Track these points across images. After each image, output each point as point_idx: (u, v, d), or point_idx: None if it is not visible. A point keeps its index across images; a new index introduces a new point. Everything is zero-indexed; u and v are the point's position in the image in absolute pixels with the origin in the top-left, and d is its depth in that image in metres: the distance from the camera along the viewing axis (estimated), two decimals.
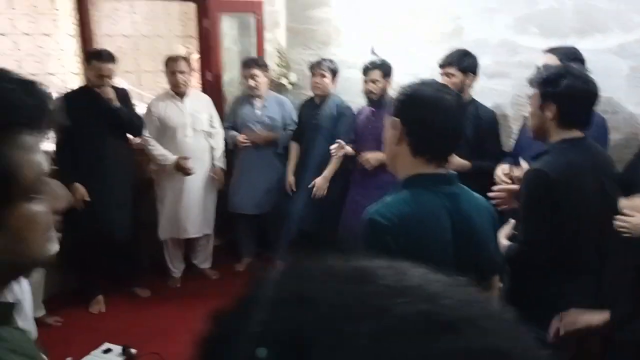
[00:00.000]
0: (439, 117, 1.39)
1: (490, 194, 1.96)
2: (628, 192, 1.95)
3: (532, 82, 1.87)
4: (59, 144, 3.26)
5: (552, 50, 2.69)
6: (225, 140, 4.06)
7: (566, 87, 1.74)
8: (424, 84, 1.47)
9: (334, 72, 3.82)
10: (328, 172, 3.77)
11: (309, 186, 3.77)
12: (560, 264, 1.77)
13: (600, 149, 2.01)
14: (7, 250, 0.67)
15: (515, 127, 3.18)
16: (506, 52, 3.14)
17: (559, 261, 1.77)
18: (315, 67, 3.82)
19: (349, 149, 3.65)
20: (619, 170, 2.02)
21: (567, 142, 1.81)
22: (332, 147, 3.61)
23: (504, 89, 3.20)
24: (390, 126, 1.47)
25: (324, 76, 3.79)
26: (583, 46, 2.76)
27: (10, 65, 3.51)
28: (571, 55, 2.61)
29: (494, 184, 2.41)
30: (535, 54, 2.87)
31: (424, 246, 1.34)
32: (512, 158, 2.69)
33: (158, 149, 3.72)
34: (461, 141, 1.50)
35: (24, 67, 3.82)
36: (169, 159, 3.71)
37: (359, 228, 3.48)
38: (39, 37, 3.82)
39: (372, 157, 3.45)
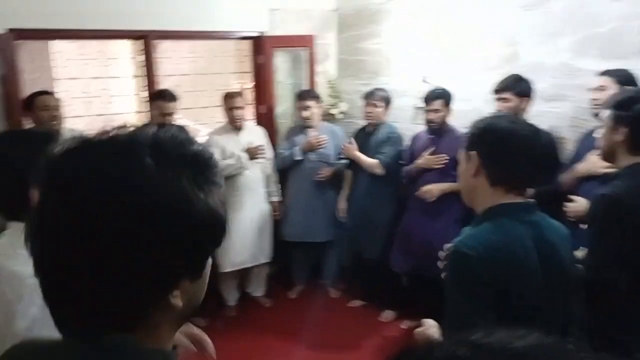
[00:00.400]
0: (514, 145, 1.41)
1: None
2: None
3: (606, 104, 1.87)
4: None
5: (607, 72, 2.67)
6: (278, 166, 4.15)
7: (638, 112, 1.73)
8: (498, 117, 1.51)
9: (387, 101, 3.88)
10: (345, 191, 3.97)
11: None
12: (635, 286, 1.72)
13: None
14: (195, 297, 0.72)
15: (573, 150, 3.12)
16: (564, 75, 3.10)
17: (635, 286, 1.72)
18: (368, 97, 3.89)
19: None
20: None
21: (637, 167, 1.79)
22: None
23: (562, 112, 3.16)
24: (464, 159, 1.50)
25: (376, 106, 3.85)
26: None
27: (81, 106, 3.76)
28: (625, 78, 2.60)
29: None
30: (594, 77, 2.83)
31: (514, 275, 1.35)
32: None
33: (225, 162, 3.81)
34: (543, 172, 1.50)
35: (92, 109, 4.06)
36: (239, 158, 3.82)
37: (412, 254, 3.44)
38: (106, 80, 4.06)
39: (435, 188, 3.46)
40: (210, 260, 0.72)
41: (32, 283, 1.00)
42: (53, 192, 0.63)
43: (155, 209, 0.60)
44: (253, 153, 3.83)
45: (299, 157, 4.08)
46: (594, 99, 2.70)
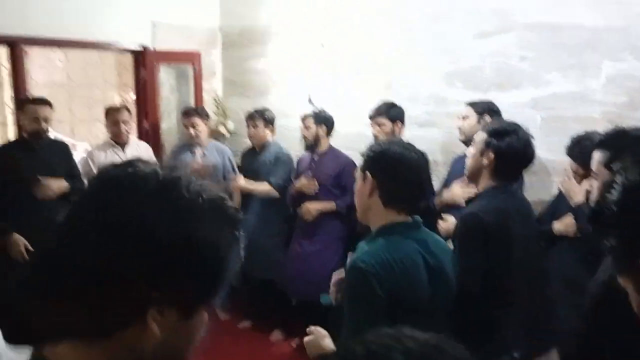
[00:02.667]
0: (406, 171, 1.56)
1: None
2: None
3: (483, 127, 2.09)
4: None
5: (472, 104, 3.00)
6: None
7: (507, 144, 1.95)
8: (392, 142, 1.65)
9: (268, 121, 3.93)
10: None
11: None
12: (492, 293, 1.93)
13: (520, 194, 2.27)
14: (180, 339, 0.72)
15: (445, 171, 3.43)
16: (435, 104, 3.42)
17: (490, 289, 1.93)
18: (248, 120, 3.94)
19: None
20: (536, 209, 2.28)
21: (495, 189, 2.02)
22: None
23: (434, 137, 3.46)
24: (360, 179, 1.62)
25: (256, 126, 3.90)
26: (502, 99, 3.08)
27: None
28: (488, 108, 2.95)
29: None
30: (462, 106, 3.15)
31: (406, 287, 1.48)
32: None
33: None
34: (426, 192, 1.66)
35: None
36: None
37: (307, 273, 3.53)
38: None
39: (311, 207, 3.59)
40: (206, 316, 0.74)
41: None
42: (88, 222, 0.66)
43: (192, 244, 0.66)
44: None
45: None
46: (459, 127, 3.01)
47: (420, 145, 3.24)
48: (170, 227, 0.65)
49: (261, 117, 3.89)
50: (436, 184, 3.39)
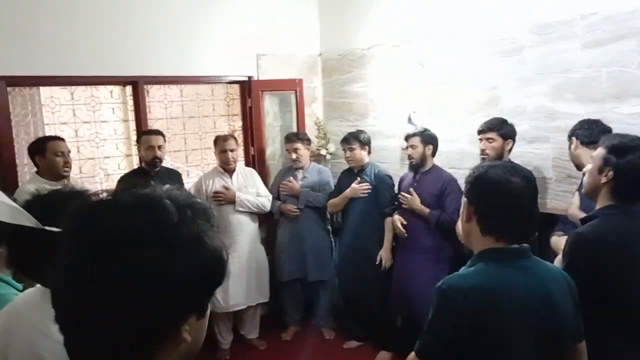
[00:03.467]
0: (503, 197, 1.46)
1: None
2: None
3: (601, 143, 1.93)
4: None
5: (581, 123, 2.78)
6: (272, 209, 4.19)
7: (628, 162, 1.80)
8: (493, 166, 1.54)
9: (364, 143, 3.95)
10: (387, 242, 3.84)
11: (377, 263, 3.83)
12: (603, 312, 1.77)
13: None
14: (200, 334, 0.78)
15: (557, 189, 3.22)
16: (544, 118, 3.23)
17: (601, 309, 1.77)
18: (343, 143, 4.00)
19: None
20: None
21: (613, 209, 1.85)
22: (403, 198, 3.66)
23: (544, 153, 3.27)
24: (463, 205, 1.57)
25: (352, 149, 3.94)
26: (620, 110, 2.84)
27: (71, 150, 3.78)
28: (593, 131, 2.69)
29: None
30: (574, 119, 2.95)
31: (493, 317, 1.38)
32: (562, 224, 2.72)
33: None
34: (533, 223, 1.54)
35: (82, 152, 4.08)
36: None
37: (411, 292, 3.47)
38: (96, 124, 4.10)
39: (414, 202, 3.58)
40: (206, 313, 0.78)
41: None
42: (85, 246, 0.68)
43: (178, 252, 0.69)
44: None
45: (277, 217, 4.22)
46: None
47: (530, 162, 3.18)
48: (198, 253, 0.71)
49: (356, 139, 3.93)
50: (551, 201, 3.20)
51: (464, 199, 1.56)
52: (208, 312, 0.77)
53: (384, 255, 3.84)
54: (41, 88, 3.94)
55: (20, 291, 1.51)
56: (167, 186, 0.78)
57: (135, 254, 0.66)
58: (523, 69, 3.31)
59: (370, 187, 3.89)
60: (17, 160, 3.61)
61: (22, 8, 3.44)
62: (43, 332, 1.15)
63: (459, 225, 1.64)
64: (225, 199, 3.93)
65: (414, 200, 3.57)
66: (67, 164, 3.35)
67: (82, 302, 0.67)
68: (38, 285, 1.30)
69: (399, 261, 3.77)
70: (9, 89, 3.56)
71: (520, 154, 3.29)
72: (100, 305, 0.66)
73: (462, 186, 3.38)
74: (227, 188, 3.96)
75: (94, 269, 0.66)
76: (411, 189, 3.62)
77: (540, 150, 3.28)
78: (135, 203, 0.71)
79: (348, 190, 3.92)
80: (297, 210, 4.10)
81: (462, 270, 1.51)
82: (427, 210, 3.53)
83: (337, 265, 4.17)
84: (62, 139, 3.44)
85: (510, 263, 1.46)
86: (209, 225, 0.75)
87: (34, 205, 1.24)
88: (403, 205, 3.65)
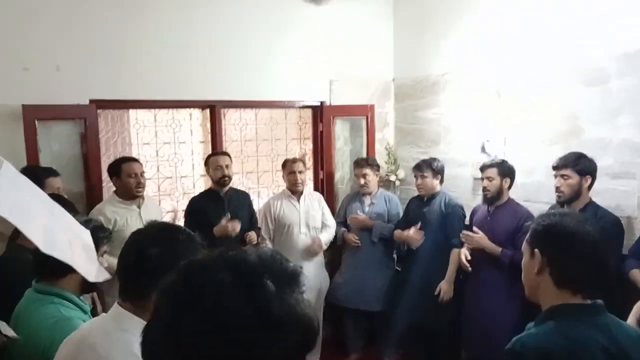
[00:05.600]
0: (581, 248, 1.38)
1: None
2: None
3: None
4: None
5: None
6: (336, 234, 4.19)
7: None
8: (565, 215, 1.47)
9: (436, 171, 3.86)
10: (450, 274, 3.73)
11: (435, 293, 3.73)
12: None
13: None
14: None
15: None
16: (630, 152, 3.01)
17: None
18: (415, 170, 3.92)
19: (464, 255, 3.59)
20: None
21: None
22: (463, 235, 3.54)
23: (629, 190, 3.04)
24: (528, 255, 1.48)
25: (424, 177, 3.85)
26: None
27: (151, 169, 3.99)
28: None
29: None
30: None
31: None
32: (635, 259, 2.51)
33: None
34: (607, 272, 1.45)
35: (162, 171, 4.30)
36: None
37: (481, 329, 3.32)
38: (175, 145, 4.31)
39: (470, 238, 3.45)
40: None
41: None
42: (187, 304, 0.71)
43: (278, 323, 0.70)
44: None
45: (339, 243, 4.20)
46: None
47: (613, 200, 2.97)
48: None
49: (429, 167, 3.85)
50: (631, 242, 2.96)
51: (528, 247, 1.47)
52: None
53: (444, 287, 3.71)
54: (129, 110, 4.21)
55: (87, 313, 1.59)
56: (261, 250, 0.78)
57: (240, 339, 0.68)
58: (609, 99, 3.11)
59: (421, 239, 3.83)
60: (103, 178, 3.86)
61: (113, 35, 3.70)
62: None
63: (524, 278, 1.52)
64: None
65: (482, 239, 3.40)
66: (140, 184, 3.47)
67: None
68: (109, 313, 1.33)
69: (469, 296, 3.61)
70: (98, 110, 3.84)
71: (603, 190, 3.08)
72: None
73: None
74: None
75: (201, 351, 0.68)
76: (475, 228, 3.47)
77: (625, 187, 3.05)
78: (237, 284, 0.71)
79: (449, 274, 3.75)
80: (359, 242, 4.07)
81: (532, 327, 1.41)
82: (498, 249, 3.34)
83: (404, 294, 4.06)
84: (137, 160, 3.59)
85: (588, 320, 1.36)
86: (299, 290, 0.75)
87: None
88: (467, 245, 3.49)
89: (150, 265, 1.24)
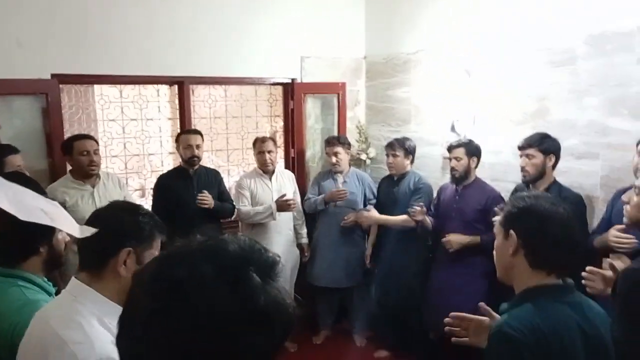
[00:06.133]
0: (556, 229, 1.41)
1: (584, 274, 1.97)
2: None
3: None
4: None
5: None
6: (305, 210, 4.19)
7: None
8: (538, 197, 1.48)
9: (408, 150, 3.88)
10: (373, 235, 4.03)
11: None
12: None
13: None
14: None
15: (605, 208, 3.06)
16: (595, 133, 3.08)
17: None
18: (388, 148, 3.93)
19: (427, 219, 3.64)
20: None
21: None
22: (412, 209, 3.61)
23: (592, 170, 3.12)
24: (502, 236, 1.49)
25: (396, 156, 3.87)
26: None
27: (118, 146, 3.89)
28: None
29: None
30: (627, 136, 2.81)
31: (559, 358, 1.32)
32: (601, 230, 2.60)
33: (255, 210, 3.92)
34: (579, 252, 1.49)
35: (129, 149, 4.21)
36: (270, 208, 3.86)
37: (443, 308, 3.41)
38: (142, 122, 4.21)
39: (454, 240, 3.44)
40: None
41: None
42: (174, 320, 0.69)
43: (263, 315, 0.70)
44: (283, 206, 3.86)
45: (321, 207, 4.13)
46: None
47: (576, 180, 3.05)
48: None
49: (401, 147, 3.87)
50: (597, 221, 3.05)
51: (502, 229, 1.48)
52: None
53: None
54: (94, 86, 4.08)
55: (52, 294, 1.55)
56: (240, 240, 0.76)
57: (226, 332, 0.68)
58: (575, 80, 3.17)
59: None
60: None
61: (76, 9, 3.56)
62: (56, 332, 1.19)
63: (497, 259, 1.53)
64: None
65: (461, 238, 3.40)
66: (93, 162, 3.30)
67: None
68: (65, 294, 1.33)
69: (434, 276, 3.68)
70: (61, 85, 3.70)
71: (567, 169, 3.15)
72: None
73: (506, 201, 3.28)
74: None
75: (188, 347, 0.67)
76: (448, 236, 3.46)
77: (588, 167, 3.13)
78: (221, 278, 0.70)
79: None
80: (347, 193, 4.02)
81: (508, 309, 1.43)
82: (477, 238, 3.35)
83: (377, 272, 4.12)
84: (91, 137, 3.43)
85: (562, 300, 1.40)
86: (278, 280, 0.75)
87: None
88: (450, 250, 3.45)
89: (107, 238, 1.29)
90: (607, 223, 2.74)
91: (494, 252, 1.55)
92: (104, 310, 1.26)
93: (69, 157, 3.37)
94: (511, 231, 1.45)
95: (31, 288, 1.51)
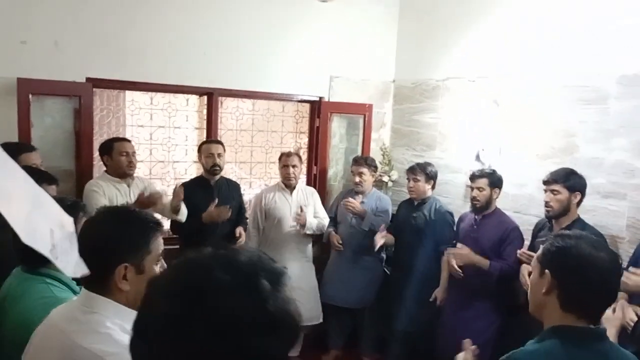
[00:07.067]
0: (595, 276, 1.36)
1: None
2: None
3: None
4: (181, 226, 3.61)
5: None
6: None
7: None
8: (580, 238, 1.44)
9: (430, 176, 3.86)
10: (444, 281, 3.72)
11: (431, 300, 3.72)
12: None
13: None
14: None
15: (630, 250, 3.01)
16: (622, 174, 3.04)
17: None
18: (409, 172, 3.91)
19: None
20: None
21: None
22: (451, 253, 3.54)
23: (619, 210, 3.07)
24: (537, 273, 1.46)
25: (417, 180, 3.85)
26: None
27: (144, 152, 3.95)
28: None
29: None
30: None
31: None
32: None
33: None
34: (614, 300, 1.46)
35: (154, 155, 4.27)
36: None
37: (454, 340, 3.35)
38: (170, 130, 4.28)
39: (462, 253, 3.40)
40: None
41: None
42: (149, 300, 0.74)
43: (274, 321, 0.72)
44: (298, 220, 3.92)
45: (325, 241, 4.20)
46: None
47: (602, 219, 3.00)
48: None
49: (423, 172, 3.85)
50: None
51: (538, 266, 1.45)
52: None
53: (439, 294, 3.73)
54: (126, 91, 4.17)
55: (77, 293, 1.57)
56: (248, 250, 0.79)
57: (240, 336, 0.69)
58: (605, 120, 3.14)
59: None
60: (94, 157, 3.82)
61: (115, 17, 3.66)
62: (82, 346, 1.18)
63: (530, 295, 1.50)
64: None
65: (470, 255, 3.36)
66: (131, 163, 3.47)
67: None
68: (77, 298, 1.33)
69: (451, 303, 3.64)
70: (94, 89, 3.79)
71: (592, 208, 3.12)
72: None
73: (526, 234, 3.23)
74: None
75: (203, 350, 0.69)
76: (459, 245, 3.45)
77: (615, 207, 3.08)
78: (237, 284, 0.72)
79: (443, 281, 3.74)
80: (341, 247, 4.06)
81: (530, 344, 1.40)
82: (487, 262, 3.32)
83: (389, 296, 4.08)
84: (129, 140, 3.59)
85: (588, 346, 1.36)
86: (287, 289, 0.77)
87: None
88: (452, 264, 3.44)
89: (107, 247, 1.27)
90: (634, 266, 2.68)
91: (529, 287, 1.52)
92: (124, 318, 1.27)
93: (107, 157, 3.48)
94: (547, 271, 1.42)
95: (58, 286, 1.54)
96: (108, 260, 1.26)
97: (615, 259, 1.41)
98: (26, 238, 1.00)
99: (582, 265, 1.37)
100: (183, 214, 3.58)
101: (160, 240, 1.35)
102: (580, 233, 1.51)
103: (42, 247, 1.05)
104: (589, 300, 1.38)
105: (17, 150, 2.99)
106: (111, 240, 1.28)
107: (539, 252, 1.49)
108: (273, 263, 0.79)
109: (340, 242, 4.06)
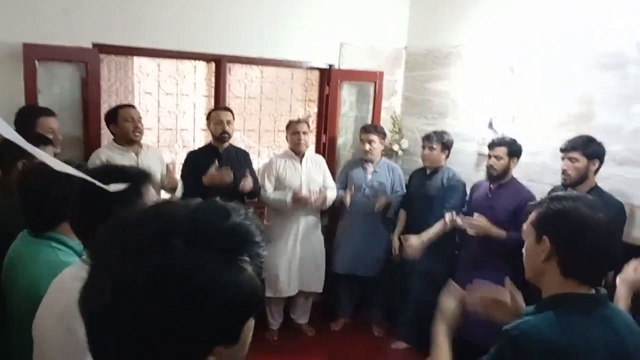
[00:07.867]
0: (597, 239, 1.30)
1: None
2: None
3: None
4: (184, 195, 3.56)
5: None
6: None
7: None
8: (577, 200, 1.35)
9: (445, 145, 3.79)
10: (426, 235, 3.64)
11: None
12: None
13: None
14: (234, 358, 0.74)
15: None
16: None
17: None
18: (425, 140, 3.84)
19: (459, 221, 3.54)
20: None
21: None
22: (446, 216, 3.54)
23: (636, 178, 3.00)
24: (533, 239, 1.39)
25: (433, 149, 3.79)
26: None
27: (152, 120, 3.91)
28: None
29: None
30: None
31: None
32: None
33: (272, 196, 3.93)
34: (616, 263, 1.40)
35: (162, 122, 4.23)
36: (286, 197, 3.87)
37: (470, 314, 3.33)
38: (178, 97, 4.22)
39: (479, 223, 3.32)
40: (251, 323, 0.75)
41: None
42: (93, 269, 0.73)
43: (185, 289, 0.65)
44: (299, 202, 3.85)
45: (337, 205, 4.13)
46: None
47: (617, 186, 2.93)
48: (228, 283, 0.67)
49: (439, 141, 3.79)
50: (637, 229, 2.94)
51: (533, 231, 1.38)
52: (245, 336, 0.74)
53: (413, 241, 3.64)
54: (134, 58, 4.10)
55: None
56: (201, 205, 0.73)
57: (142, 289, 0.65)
58: (624, 85, 3.04)
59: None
60: (102, 125, 3.79)
61: None
62: None
63: (527, 262, 1.43)
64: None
65: (487, 225, 3.26)
66: (137, 129, 3.46)
67: (127, 321, 0.65)
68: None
69: (462, 277, 3.59)
70: (101, 55, 3.73)
71: (608, 176, 3.04)
72: (142, 326, 0.65)
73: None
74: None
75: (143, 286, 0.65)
76: (476, 214, 3.37)
77: (631, 174, 3.01)
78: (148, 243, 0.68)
79: (425, 235, 3.67)
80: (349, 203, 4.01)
81: (531, 314, 1.34)
82: (503, 233, 3.24)
83: (399, 265, 4.06)
84: (133, 106, 3.58)
85: (591, 312, 1.30)
86: (241, 254, 0.71)
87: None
88: (470, 233, 3.36)
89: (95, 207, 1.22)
90: None
91: (524, 253, 1.46)
92: None
93: (113, 125, 3.48)
94: (544, 237, 1.35)
95: (64, 250, 1.52)
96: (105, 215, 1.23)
97: (613, 220, 1.35)
98: (56, 166, 1.00)
99: (582, 229, 1.30)
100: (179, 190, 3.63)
101: (153, 191, 1.32)
102: (576, 194, 1.44)
103: (74, 172, 1.04)
104: (591, 265, 1.31)
105: (37, 112, 3.02)
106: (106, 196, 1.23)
107: (532, 216, 1.41)
108: (222, 222, 0.71)
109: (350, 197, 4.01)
